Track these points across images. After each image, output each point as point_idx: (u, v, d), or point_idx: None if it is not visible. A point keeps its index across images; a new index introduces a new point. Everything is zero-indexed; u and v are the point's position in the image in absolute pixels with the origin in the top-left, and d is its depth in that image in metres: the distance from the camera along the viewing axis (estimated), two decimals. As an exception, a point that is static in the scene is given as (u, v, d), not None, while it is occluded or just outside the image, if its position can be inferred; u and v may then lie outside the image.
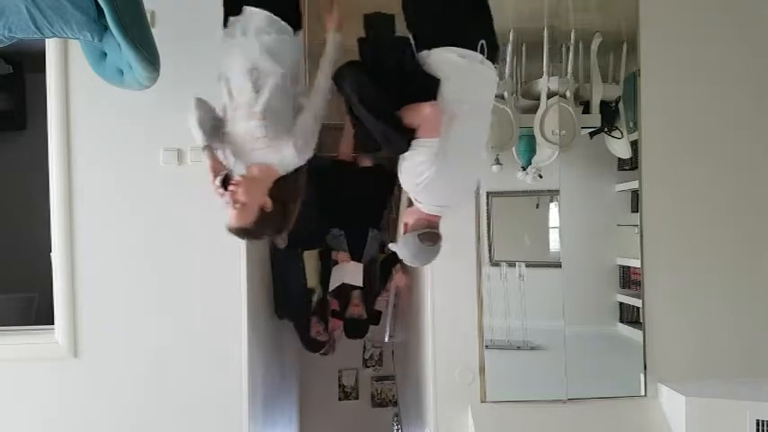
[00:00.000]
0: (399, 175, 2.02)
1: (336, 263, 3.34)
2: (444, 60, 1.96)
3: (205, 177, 2.08)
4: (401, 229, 2.11)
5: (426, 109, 1.89)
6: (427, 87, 1.93)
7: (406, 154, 1.93)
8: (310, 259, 3.36)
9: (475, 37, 1.99)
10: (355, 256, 3.32)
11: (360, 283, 3.25)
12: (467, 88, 1.98)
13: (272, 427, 3.46)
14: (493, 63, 2.04)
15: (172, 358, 2.64)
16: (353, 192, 3.27)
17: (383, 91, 1.90)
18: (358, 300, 3.30)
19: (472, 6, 2.06)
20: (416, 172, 1.93)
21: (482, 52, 1.97)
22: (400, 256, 2.12)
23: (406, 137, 1.90)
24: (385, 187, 3.25)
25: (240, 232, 2.02)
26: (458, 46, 1.97)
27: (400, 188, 2.29)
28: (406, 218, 2.10)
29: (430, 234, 2.04)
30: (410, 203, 2.13)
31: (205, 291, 2.64)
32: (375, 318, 3.49)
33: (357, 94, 1.89)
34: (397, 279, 3.38)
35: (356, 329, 3.43)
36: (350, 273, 3.28)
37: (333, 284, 3.28)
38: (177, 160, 2.64)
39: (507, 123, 2.78)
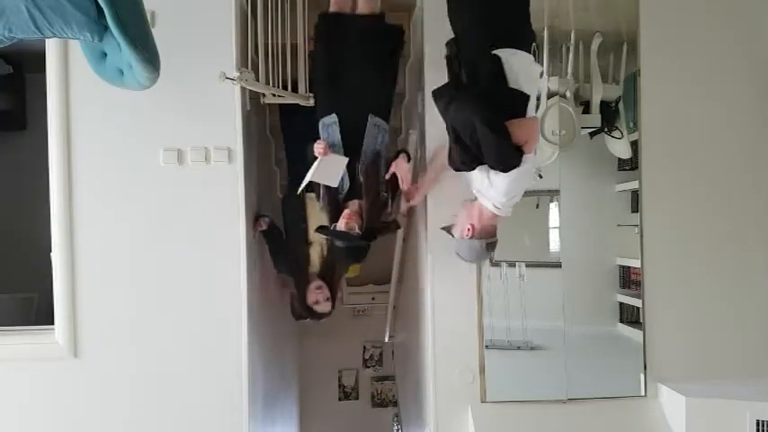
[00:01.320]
0: (485, 189, 2.11)
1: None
2: (524, 66, 2.05)
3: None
4: (465, 230, 2.19)
5: (531, 124, 2.03)
6: (516, 104, 2.01)
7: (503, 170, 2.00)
8: (313, 204, 2.84)
9: (531, 39, 2.14)
10: (350, 151, 2.58)
11: (334, 182, 2.52)
12: (533, 95, 2.09)
13: (272, 427, 3.46)
14: None
15: (172, 358, 2.64)
16: (348, 52, 2.62)
17: (497, 108, 1.95)
18: (352, 211, 2.53)
19: (526, 8, 2.16)
20: (518, 187, 2.06)
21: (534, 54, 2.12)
22: (458, 253, 2.28)
23: (520, 153, 1.97)
24: (390, 53, 2.71)
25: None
26: (523, 49, 2.07)
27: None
28: (472, 219, 2.19)
29: (494, 243, 2.23)
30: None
31: (205, 291, 2.64)
32: (373, 233, 2.57)
33: (479, 113, 1.93)
34: (399, 167, 2.56)
35: (353, 252, 2.66)
36: (323, 167, 2.50)
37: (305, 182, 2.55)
38: (177, 160, 2.64)
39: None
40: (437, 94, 2.20)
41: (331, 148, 2.55)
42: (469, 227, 2.18)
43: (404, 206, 2.81)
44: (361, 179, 2.56)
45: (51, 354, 2.62)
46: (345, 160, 2.54)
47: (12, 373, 2.63)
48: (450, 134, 2.09)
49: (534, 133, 2.05)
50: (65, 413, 2.63)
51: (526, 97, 2.03)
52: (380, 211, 2.62)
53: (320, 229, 2.64)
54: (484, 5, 2.11)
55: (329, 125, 2.61)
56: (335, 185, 2.54)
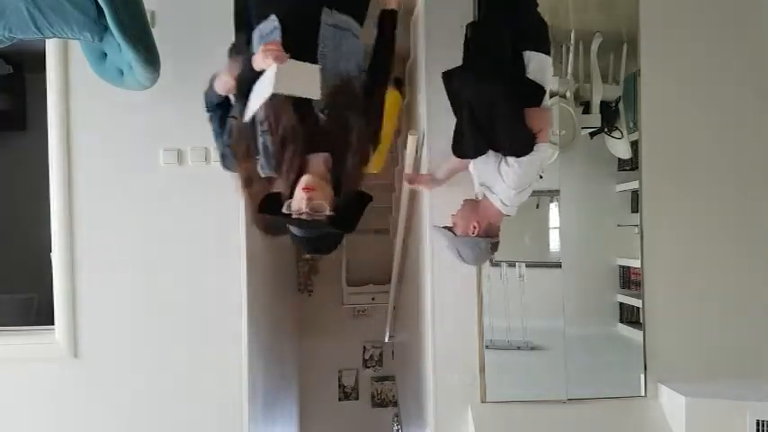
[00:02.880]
0: (493, 183, 2.06)
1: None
2: (544, 66, 2.07)
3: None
4: (470, 228, 2.09)
5: (548, 114, 2.02)
6: (534, 95, 2.02)
7: (512, 159, 1.96)
8: None
9: (549, 43, 2.13)
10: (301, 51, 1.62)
11: (315, 93, 1.59)
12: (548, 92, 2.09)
13: (272, 427, 3.46)
14: None
15: (171, 358, 2.64)
16: None
17: (510, 92, 1.94)
18: (314, 176, 1.59)
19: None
20: (527, 177, 1.99)
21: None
22: (457, 251, 2.15)
23: (533, 140, 1.93)
24: None
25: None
26: (544, 52, 2.09)
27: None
28: (477, 217, 2.10)
29: (497, 244, 2.13)
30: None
31: (205, 291, 2.65)
32: (352, 213, 1.66)
33: (503, 90, 1.92)
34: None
35: (320, 243, 1.70)
36: (285, 77, 1.54)
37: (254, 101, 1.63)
38: (177, 160, 2.64)
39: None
40: (450, 75, 2.15)
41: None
42: (475, 224, 2.08)
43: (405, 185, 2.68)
44: (323, 119, 1.65)
45: (51, 354, 2.62)
46: (316, 68, 1.62)
47: (12, 373, 2.63)
48: (463, 114, 2.04)
49: (549, 124, 2.03)
50: (65, 413, 2.63)
51: (544, 91, 2.04)
52: (359, 174, 1.72)
53: (266, 208, 1.62)
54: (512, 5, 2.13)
55: (269, 33, 1.73)
56: (317, 97, 1.61)
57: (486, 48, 2.09)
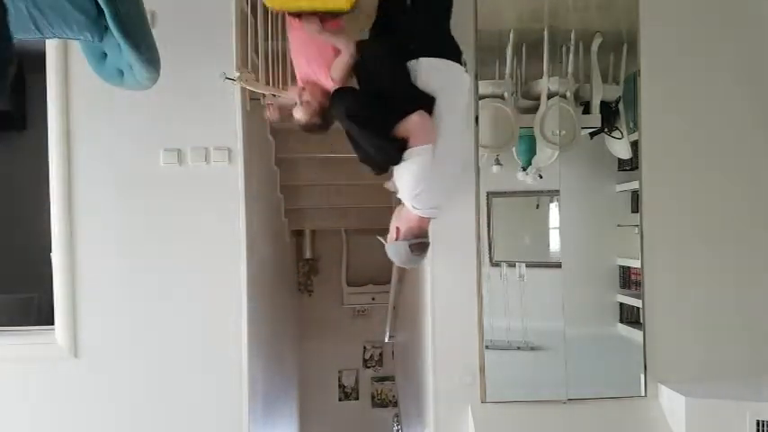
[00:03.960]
0: (396, 182, 2.12)
1: None
2: (435, 70, 2.09)
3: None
4: (393, 233, 2.19)
5: (414, 117, 2.02)
6: (424, 104, 2.06)
7: (403, 164, 2.04)
8: None
9: (458, 49, 2.18)
10: None
11: None
12: (455, 97, 2.14)
13: (272, 427, 3.46)
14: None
15: (172, 358, 2.64)
16: None
17: (373, 106, 2.03)
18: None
19: (448, 24, 2.24)
20: (413, 181, 2.05)
21: (464, 65, 2.18)
22: (390, 257, 2.26)
23: (396, 144, 2.03)
24: None
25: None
26: (444, 57, 2.12)
27: None
28: (398, 222, 2.17)
29: (420, 245, 2.16)
30: (399, 203, 2.21)
31: (205, 291, 2.65)
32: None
33: (346, 112, 2.02)
34: None
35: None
36: None
37: None
38: (177, 160, 2.64)
39: (507, 124, 2.78)
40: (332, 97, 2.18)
41: None
42: (395, 229, 2.17)
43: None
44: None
45: (51, 354, 2.62)
46: None
47: (12, 373, 2.63)
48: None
49: (419, 128, 2.03)
50: (65, 413, 2.63)
51: (429, 97, 2.07)
52: None
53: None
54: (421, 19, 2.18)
55: None
56: None
57: (361, 66, 2.13)
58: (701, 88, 2.82)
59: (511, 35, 2.81)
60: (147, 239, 2.64)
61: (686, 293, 2.79)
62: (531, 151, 2.85)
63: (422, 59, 2.08)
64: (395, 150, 2.03)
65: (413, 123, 2.02)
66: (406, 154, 2.02)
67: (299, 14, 2.13)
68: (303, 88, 2.16)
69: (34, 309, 3.66)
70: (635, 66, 2.81)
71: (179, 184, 2.64)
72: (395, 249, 2.17)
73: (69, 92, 2.62)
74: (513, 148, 2.85)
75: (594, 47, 2.84)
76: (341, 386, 6.03)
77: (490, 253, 2.79)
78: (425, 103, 2.06)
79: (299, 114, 2.16)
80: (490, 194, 2.81)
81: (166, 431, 2.65)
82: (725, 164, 2.82)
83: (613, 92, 2.88)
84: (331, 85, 2.12)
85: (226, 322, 2.64)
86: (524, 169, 2.87)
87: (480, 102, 2.75)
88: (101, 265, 2.63)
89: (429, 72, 2.08)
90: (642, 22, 2.79)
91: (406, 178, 2.06)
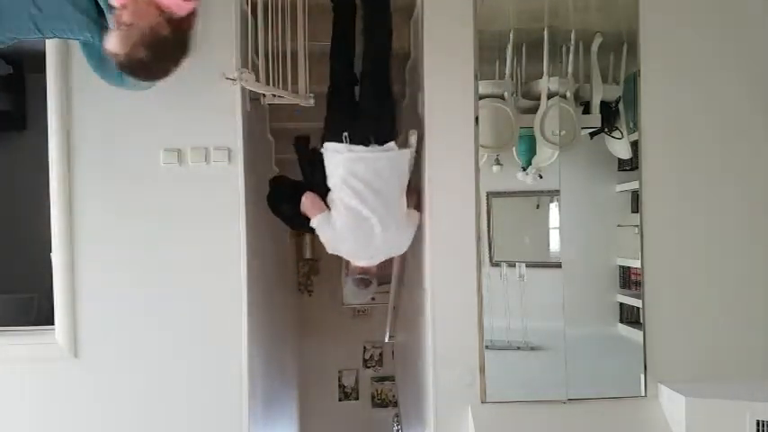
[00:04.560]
0: None
1: None
2: (334, 153, 2.66)
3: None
4: (344, 270, 2.95)
5: (303, 199, 2.71)
6: (316, 186, 2.73)
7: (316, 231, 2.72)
8: None
9: (364, 131, 2.62)
10: None
11: None
12: (352, 174, 2.61)
13: (271, 427, 3.46)
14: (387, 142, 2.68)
15: (172, 358, 2.64)
16: None
17: (280, 198, 2.88)
18: None
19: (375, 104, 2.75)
20: (325, 243, 2.74)
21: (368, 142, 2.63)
22: (344, 291, 3.06)
23: (302, 221, 2.74)
24: None
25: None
26: (347, 142, 2.61)
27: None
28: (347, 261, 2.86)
29: (361, 280, 2.82)
30: None
31: (205, 291, 2.64)
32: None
33: (267, 203, 2.91)
34: None
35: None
36: None
37: None
38: (177, 160, 2.64)
39: (507, 124, 2.78)
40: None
41: None
42: (346, 265, 2.88)
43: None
44: None
45: (51, 354, 2.62)
46: None
47: (12, 373, 2.63)
48: None
49: (308, 206, 2.71)
50: (65, 413, 2.63)
51: (325, 188, 2.70)
52: None
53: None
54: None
55: None
56: None
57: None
58: (700, 88, 2.81)
59: (511, 35, 2.81)
60: (146, 239, 2.64)
61: (686, 293, 2.79)
62: (531, 151, 2.85)
63: (327, 144, 2.66)
64: (302, 222, 2.74)
65: (302, 204, 2.71)
66: (312, 224, 2.69)
67: None
68: (124, 5, 1.58)
69: (34, 309, 3.65)
70: (635, 66, 2.81)
71: (179, 184, 2.64)
72: (344, 282, 2.94)
73: (69, 92, 2.61)
74: (513, 148, 2.85)
75: (594, 47, 2.84)
76: (341, 386, 6.03)
77: (490, 253, 2.79)
78: (318, 184, 2.70)
79: (113, 44, 1.62)
80: (490, 194, 2.81)
81: (166, 431, 2.65)
82: (725, 163, 2.82)
83: (613, 92, 2.88)
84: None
85: (226, 322, 2.64)
86: (524, 169, 2.87)
87: (480, 102, 2.75)
88: (101, 265, 2.63)
89: (329, 156, 2.66)
90: (642, 23, 2.79)
91: (323, 241, 2.74)
